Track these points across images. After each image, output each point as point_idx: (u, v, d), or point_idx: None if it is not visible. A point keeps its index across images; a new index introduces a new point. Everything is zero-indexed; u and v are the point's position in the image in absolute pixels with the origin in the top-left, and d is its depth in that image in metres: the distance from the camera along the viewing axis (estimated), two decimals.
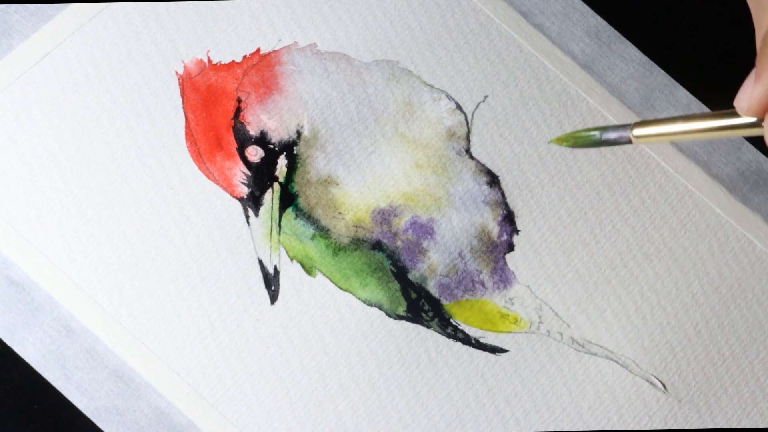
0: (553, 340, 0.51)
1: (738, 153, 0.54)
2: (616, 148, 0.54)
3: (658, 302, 0.52)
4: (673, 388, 0.51)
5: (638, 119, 0.54)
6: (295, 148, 0.53)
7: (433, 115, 0.54)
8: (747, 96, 0.41)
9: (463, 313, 0.52)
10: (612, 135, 0.45)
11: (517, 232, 0.53)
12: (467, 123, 0.54)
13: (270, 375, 0.50)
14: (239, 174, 0.53)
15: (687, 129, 0.43)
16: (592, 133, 0.46)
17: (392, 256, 0.52)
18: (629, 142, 0.45)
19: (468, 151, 0.54)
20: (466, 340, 0.51)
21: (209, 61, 0.54)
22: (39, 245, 0.51)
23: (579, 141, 0.47)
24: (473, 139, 0.54)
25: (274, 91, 0.54)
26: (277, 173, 0.53)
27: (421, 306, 0.51)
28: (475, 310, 0.52)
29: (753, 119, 0.42)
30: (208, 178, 0.52)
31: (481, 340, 0.51)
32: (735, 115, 0.42)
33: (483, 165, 0.54)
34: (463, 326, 0.51)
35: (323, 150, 0.53)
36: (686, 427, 0.51)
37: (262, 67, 0.54)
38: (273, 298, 0.51)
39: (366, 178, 0.53)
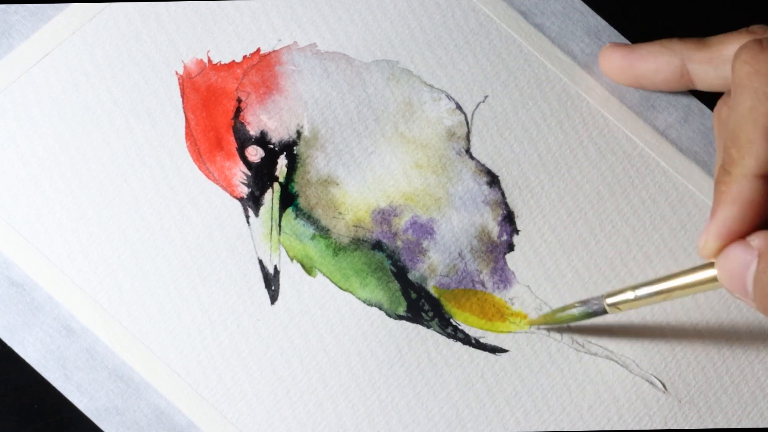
0: (553, 340, 0.51)
1: None
2: (616, 148, 0.54)
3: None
4: (673, 388, 0.51)
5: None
6: (295, 148, 0.53)
7: (433, 115, 0.54)
8: (704, 238, 0.42)
9: (463, 313, 0.52)
10: (586, 307, 0.49)
11: (517, 232, 0.53)
12: (467, 123, 0.54)
13: (270, 375, 0.50)
14: (239, 174, 0.53)
15: (655, 291, 0.46)
16: (568, 312, 0.50)
17: (392, 256, 0.52)
18: (604, 311, 0.48)
19: (468, 151, 0.54)
20: (466, 340, 0.51)
21: (209, 61, 0.54)
22: (39, 245, 0.51)
23: (558, 320, 0.51)
24: (473, 139, 0.54)
25: (274, 91, 0.54)
26: (277, 173, 0.53)
27: (421, 306, 0.52)
28: (475, 306, 0.52)
29: (709, 277, 0.43)
30: (208, 178, 0.52)
31: (481, 340, 0.51)
32: (704, 268, 0.43)
33: (483, 165, 0.54)
34: (463, 326, 0.51)
35: (323, 150, 0.53)
36: (686, 427, 0.51)
37: (262, 67, 0.54)
38: (273, 298, 0.51)
39: (366, 178, 0.53)
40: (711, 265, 0.43)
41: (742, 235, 0.40)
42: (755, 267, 0.39)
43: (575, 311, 0.49)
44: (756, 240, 0.39)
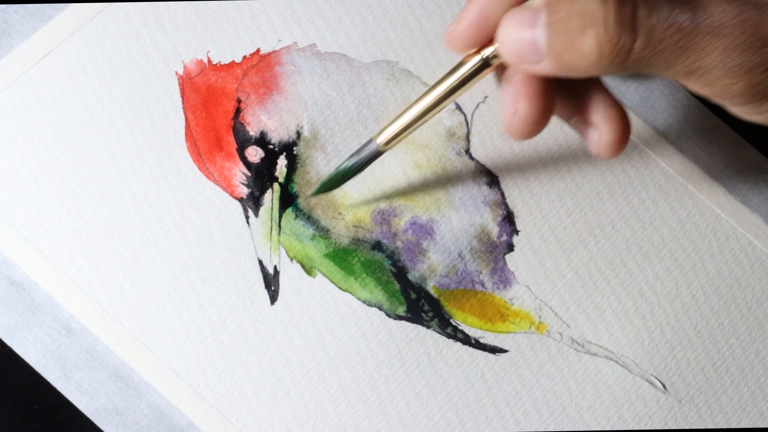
0: (553, 341, 0.51)
1: (738, 153, 0.54)
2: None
3: (658, 302, 0.52)
4: (673, 388, 0.51)
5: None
6: (294, 148, 0.53)
7: None
8: (459, 23, 0.41)
9: (462, 313, 0.52)
10: (360, 155, 0.48)
11: (516, 232, 0.53)
12: (467, 123, 0.54)
13: (270, 375, 0.50)
14: (239, 174, 0.53)
15: (422, 109, 0.44)
16: (343, 165, 0.49)
17: (392, 257, 0.52)
18: (379, 152, 0.47)
19: (468, 151, 0.54)
20: (466, 340, 0.51)
21: (209, 61, 0.54)
22: (39, 245, 0.51)
23: (336, 179, 0.50)
24: (473, 139, 0.54)
25: (273, 92, 0.54)
26: (276, 173, 0.53)
27: (421, 306, 0.52)
28: (475, 307, 0.52)
29: (476, 62, 0.42)
30: (208, 178, 0.52)
31: (481, 340, 0.51)
32: (456, 69, 0.42)
33: (483, 165, 0.54)
34: (462, 326, 0.51)
35: (323, 150, 0.53)
36: (686, 427, 0.51)
37: (261, 68, 0.54)
38: (273, 298, 0.51)
39: (366, 178, 0.53)
40: (473, 55, 0.42)
41: (494, 24, 0.40)
42: (545, 18, 0.38)
43: (350, 162, 0.49)
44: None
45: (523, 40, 0.39)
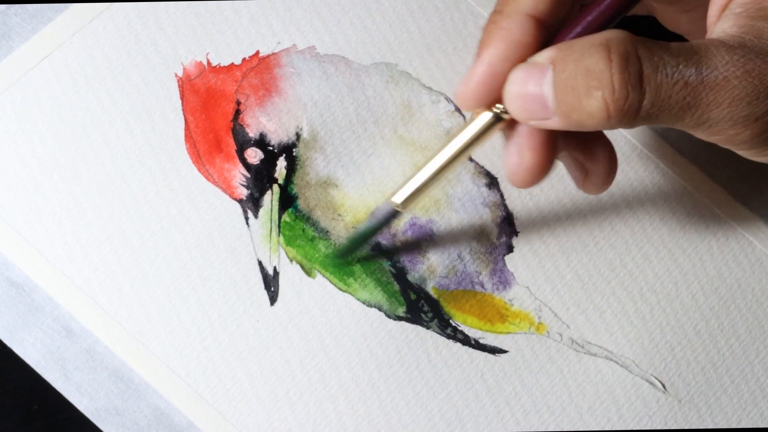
0: (553, 341, 0.51)
1: (737, 154, 0.54)
2: (615, 149, 0.54)
3: (658, 303, 0.52)
4: (673, 388, 0.51)
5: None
6: (294, 150, 0.53)
7: (432, 118, 0.54)
8: (468, 82, 0.40)
9: (462, 314, 0.52)
10: (376, 216, 0.48)
11: (516, 233, 0.53)
12: None
13: (270, 375, 0.50)
14: (238, 176, 0.53)
15: (437, 167, 0.44)
16: (360, 227, 0.50)
17: (391, 258, 0.52)
18: (395, 212, 0.46)
19: None
20: (466, 340, 0.51)
21: (208, 63, 0.54)
22: (39, 246, 0.51)
23: (355, 242, 0.51)
24: None
25: (273, 94, 0.54)
26: (276, 175, 0.53)
27: (421, 307, 0.52)
28: (474, 308, 0.52)
29: (489, 118, 0.41)
30: (208, 179, 0.53)
31: (481, 341, 0.51)
32: (468, 125, 0.42)
33: (482, 167, 0.54)
34: (462, 327, 0.51)
35: (322, 152, 0.53)
36: (686, 427, 0.51)
37: (261, 70, 0.54)
38: (272, 299, 0.51)
39: (365, 179, 0.53)
40: (484, 110, 0.41)
41: (504, 81, 0.39)
42: (551, 74, 0.37)
43: (367, 225, 0.49)
44: (543, 55, 0.38)
45: (529, 97, 0.38)
